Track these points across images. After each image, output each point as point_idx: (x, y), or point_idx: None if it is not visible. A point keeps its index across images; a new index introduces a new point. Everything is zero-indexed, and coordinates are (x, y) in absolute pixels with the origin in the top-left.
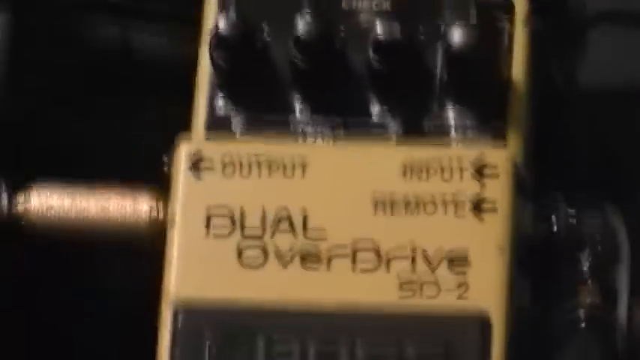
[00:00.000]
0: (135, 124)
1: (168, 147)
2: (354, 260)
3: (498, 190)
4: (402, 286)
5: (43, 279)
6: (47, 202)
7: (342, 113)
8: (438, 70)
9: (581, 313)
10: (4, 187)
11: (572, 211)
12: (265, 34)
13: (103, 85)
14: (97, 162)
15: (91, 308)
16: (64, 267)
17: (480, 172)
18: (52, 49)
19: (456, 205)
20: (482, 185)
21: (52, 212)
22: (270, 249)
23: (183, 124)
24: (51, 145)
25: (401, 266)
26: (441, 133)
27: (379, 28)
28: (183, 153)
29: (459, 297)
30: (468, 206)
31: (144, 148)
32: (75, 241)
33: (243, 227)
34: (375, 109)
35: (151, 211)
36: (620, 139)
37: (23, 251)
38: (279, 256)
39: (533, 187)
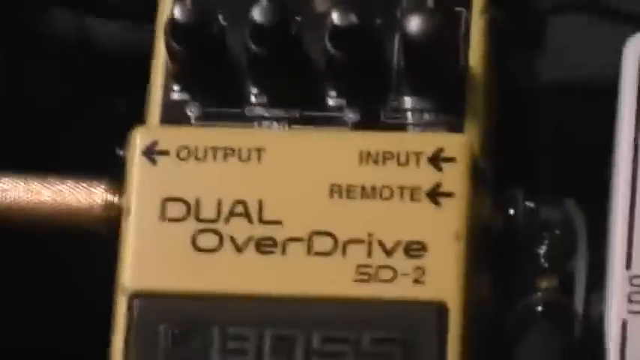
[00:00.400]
0: (89, 115)
1: (123, 137)
2: (309, 245)
3: (456, 176)
4: (357, 270)
5: None
6: (1, 187)
7: (299, 102)
8: (395, 58)
9: (540, 301)
10: None
11: (531, 202)
12: (221, 21)
13: (61, 77)
14: (53, 152)
15: (45, 296)
16: (18, 254)
17: (436, 158)
18: (10, 43)
19: (413, 191)
20: (439, 171)
21: (6, 197)
22: (225, 234)
23: (138, 115)
24: (7, 136)
25: (357, 251)
26: (398, 121)
27: (335, 15)
28: (137, 139)
29: (416, 283)
30: (424, 192)
31: (99, 139)
32: (29, 227)
33: (198, 213)
34: (332, 97)
35: (105, 198)
36: (582, 131)
37: None
38: (234, 241)
39: (492, 178)
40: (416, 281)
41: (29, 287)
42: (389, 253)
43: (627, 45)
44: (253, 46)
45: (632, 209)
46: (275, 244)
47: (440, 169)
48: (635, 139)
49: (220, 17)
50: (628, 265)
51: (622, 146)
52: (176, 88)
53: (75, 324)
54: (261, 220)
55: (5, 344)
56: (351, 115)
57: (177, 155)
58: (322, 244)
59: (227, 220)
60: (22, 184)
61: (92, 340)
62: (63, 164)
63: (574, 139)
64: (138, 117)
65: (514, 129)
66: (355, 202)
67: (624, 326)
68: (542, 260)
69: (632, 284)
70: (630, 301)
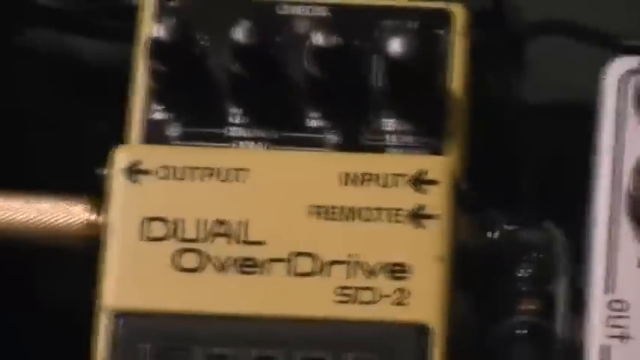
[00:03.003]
0: (71, 132)
1: (104, 155)
2: (291, 266)
3: (438, 198)
4: (339, 292)
5: None
6: None
7: (279, 123)
8: (376, 79)
9: (521, 323)
10: None
11: (512, 225)
12: (202, 42)
13: (39, 94)
14: (35, 170)
15: (26, 311)
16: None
17: (418, 180)
18: None
19: (395, 213)
20: (421, 193)
21: None
22: (207, 254)
23: (119, 132)
24: None
25: (338, 272)
26: (378, 142)
27: (318, 35)
28: (119, 157)
29: (397, 304)
30: (406, 214)
31: (80, 156)
32: (8, 244)
33: (179, 232)
34: (312, 118)
35: (85, 216)
36: (559, 152)
37: None
38: (215, 261)
39: (473, 199)
40: (397, 303)
41: (6, 303)
42: (370, 274)
43: (607, 69)
44: (234, 67)
45: (611, 232)
46: (257, 264)
47: (421, 191)
48: (615, 162)
49: (202, 37)
50: (607, 289)
51: (601, 169)
52: (157, 107)
53: (52, 341)
54: (242, 241)
55: None
56: (331, 137)
57: (159, 174)
58: (303, 264)
59: (208, 240)
60: (2, 202)
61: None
62: (42, 182)
63: (553, 159)
64: (117, 136)
65: (494, 150)
66: (336, 223)
67: (604, 352)
68: (524, 283)
69: (611, 308)
70: (610, 325)
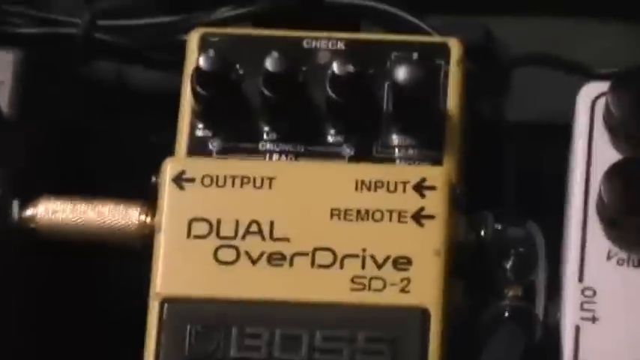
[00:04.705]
0: (128, 147)
1: (155, 166)
2: (313, 259)
3: (436, 202)
4: (353, 280)
5: (47, 274)
6: (52, 208)
7: (303, 138)
8: (385, 102)
9: (507, 306)
10: (15, 198)
11: (499, 224)
12: (239, 70)
13: (103, 115)
14: (97, 179)
15: (87, 300)
16: (65, 264)
17: (420, 186)
18: (62, 85)
19: (400, 214)
20: (423, 197)
21: (56, 217)
22: (242, 249)
23: (168, 147)
24: (59, 165)
25: (353, 265)
26: (387, 155)
27: (335, 65)
28: (168, 168)
29: (402, 291)
30: (409, 215)
31: (136, 167)
32: (75, 242)
33: (219, 231)
34: (331, 134)
35: (140, 218)
36: (539, 164)
37: (32, 250)
38: (249, 255)
39: (466, 203)
40: (402, 290)
41: (72, 294)
42: (380, 266)
43: (580, 93)
44: (266, 91)
45: (583, 230)
46: (284, 257)
47: (423, 196)
48: (587, 172)
49: (238, 66)
50: (580, 279)
51: (575, 177)
52: (200, 126)
53: (111, 325)
54: (272, 238)
55: (47, 341)
56: (347, 150)
57: (202, 182)
58: (323, 258)
59: (243, 237)
60: (70, 205)
61: (126, 338)
62: (103, 189)
63: (534, 170)
64: (167, 150)
65: (483, 161)
66: (352, 223)
67: (577, 331)
68: (509, 273)
69: (583, 295)
70: (582, 309)
